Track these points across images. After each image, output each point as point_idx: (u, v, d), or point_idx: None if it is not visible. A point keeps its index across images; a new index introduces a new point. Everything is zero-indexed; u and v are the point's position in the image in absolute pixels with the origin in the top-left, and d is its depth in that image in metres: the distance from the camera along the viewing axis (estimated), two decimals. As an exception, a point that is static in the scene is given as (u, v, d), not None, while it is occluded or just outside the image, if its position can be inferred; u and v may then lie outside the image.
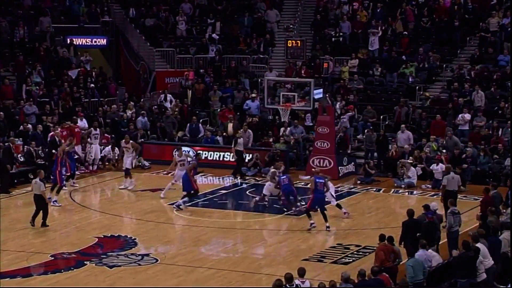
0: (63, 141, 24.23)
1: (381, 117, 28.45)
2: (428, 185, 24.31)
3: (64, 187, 22.47)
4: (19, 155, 24.63)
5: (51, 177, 21.80)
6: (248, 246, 18.55)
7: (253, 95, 29.87)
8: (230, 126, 27.74)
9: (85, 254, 17.61)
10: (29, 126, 26.29)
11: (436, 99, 28.80)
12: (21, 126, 26.31)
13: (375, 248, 16.19)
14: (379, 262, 14.79)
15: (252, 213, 21.35)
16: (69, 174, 22.89)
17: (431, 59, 30.60)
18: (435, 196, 22.85)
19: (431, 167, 24.40)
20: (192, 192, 21.26)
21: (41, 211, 19.36)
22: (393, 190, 24.17)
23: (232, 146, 25.47)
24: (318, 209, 19.41)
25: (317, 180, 19.32)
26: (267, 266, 17.12)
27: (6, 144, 23.99)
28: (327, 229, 19.21)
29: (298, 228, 20.01)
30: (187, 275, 16.46)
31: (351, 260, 17.33)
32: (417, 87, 29.69)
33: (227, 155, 26.55)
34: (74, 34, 33.39)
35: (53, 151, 23.64)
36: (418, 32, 32.40)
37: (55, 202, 21.35)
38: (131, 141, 24.12)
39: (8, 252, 17.61)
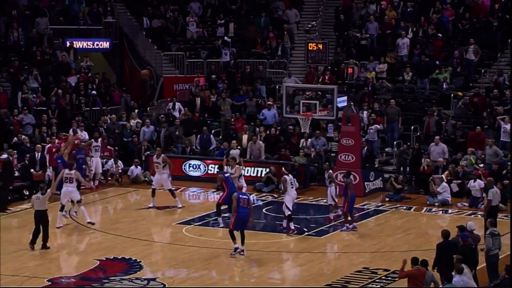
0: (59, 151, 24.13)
1: (412, 127, 28.37)
2: (465, 203, 24.17)
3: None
4: (14, 169, 24.70)
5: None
6: (265, 270, 18.49)
7: (269, 103, 29.87)
8: (244, 137, 27.73)
9: (85, 279, 17.60)
10: (24, 137, 26.38)
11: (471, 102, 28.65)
12: (16, 138, 26.41)
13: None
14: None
15: (268, 233, 21.32)
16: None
17: (470, 49, 30.20)
18: (472, 215, 22.74)
19: (468, 184, 24.26)
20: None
21: (41, 231, 19.30)
22: (425, 208, 24.05)
23: (224, 157, 25.51)
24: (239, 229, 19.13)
25: (240, 196, 19.17)
26: (285, 293, 17.07)
27: (6, 157, 24.09)
28: (242, 253, 19.05)
29: (320, 250, 19.94)
30: (197, 302, 16.46)
31: (378, 286, 17.25)
32: (452, 95, 29.57)
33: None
34: (74, 36, 33.55)
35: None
36: (453, 34, 32.30)
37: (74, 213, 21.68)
38: (163, 155, 23.82)
39: (1, 276, 17.62)
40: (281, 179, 22.16)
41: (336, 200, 22.16)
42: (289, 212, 21.03)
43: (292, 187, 21.33)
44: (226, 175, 21.38)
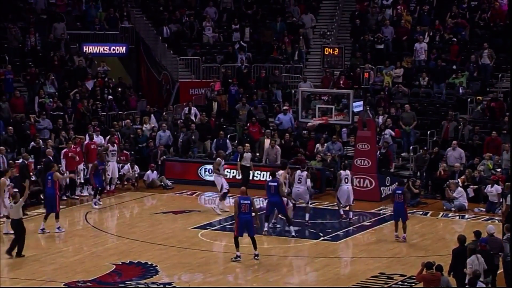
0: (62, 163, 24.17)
1: (428, 132, 28.28)
2: (482, 209, 24.06)
3: (94, 205, 23.77)
4: (31, 174, 24.77)
5: (43, 202, 22.02)
6: (281, 275, 18.48)
7: (285, 107, 29.85)
8: (267, 142, 27.56)
9: (101, 283, 17.64)
10: (41, 142, 26.47)
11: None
12: (33, 142, 26.52)
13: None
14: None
15: (284, 238, 21.30)
16: (96, 188, 24.09)
17: (484, 53, 30.13)
18: (489, 221, 22.63)
19: (485, 189, 24.15)
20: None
21: (19, 239, 19.26)
22: (441, 213, 23.97)
23: (238, 161, 25.44)
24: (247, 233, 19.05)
25: (241, 201, 18.90)
26: (301, 298, 17.05)
27: (21, 161, 24.14)
28: (256, 257, 19.00)
29: (336, 255, 19.90)
30: (213, 306, 16.47)
31: (395, 292, 17.20)
32: (468, 99, 29.46)
33: (257, 173, 26.58)
34: (90, 41, 33.69)
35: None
36: (470, 38, 32.17)
37: (43, 230, 21.44)
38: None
39: (18, 280, 17.72)
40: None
41: (341, 200, 22.50)
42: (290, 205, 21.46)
43: (299, 182, 21.64)
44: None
